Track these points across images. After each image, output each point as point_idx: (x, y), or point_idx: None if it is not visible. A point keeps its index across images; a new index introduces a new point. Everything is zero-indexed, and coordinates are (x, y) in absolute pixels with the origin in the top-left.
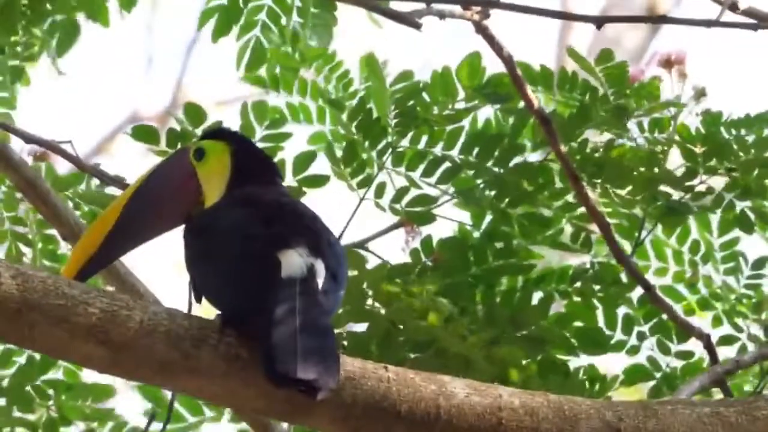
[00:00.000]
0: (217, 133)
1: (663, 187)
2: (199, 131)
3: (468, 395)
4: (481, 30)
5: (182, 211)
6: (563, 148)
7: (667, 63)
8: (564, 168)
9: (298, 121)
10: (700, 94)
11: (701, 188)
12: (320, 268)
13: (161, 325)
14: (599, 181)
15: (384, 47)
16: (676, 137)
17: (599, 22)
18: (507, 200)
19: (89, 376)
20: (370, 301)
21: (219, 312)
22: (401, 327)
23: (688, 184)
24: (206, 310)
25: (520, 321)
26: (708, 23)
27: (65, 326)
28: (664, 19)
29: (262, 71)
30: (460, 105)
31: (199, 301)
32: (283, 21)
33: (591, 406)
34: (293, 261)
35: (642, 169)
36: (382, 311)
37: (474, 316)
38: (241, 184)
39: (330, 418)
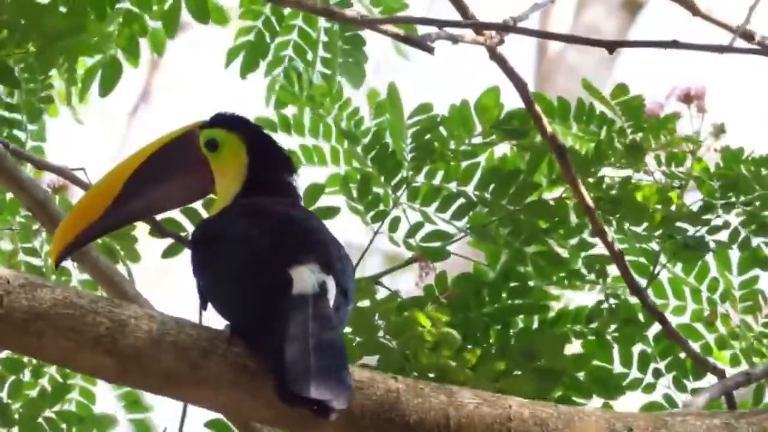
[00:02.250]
0: (229, 122)
1: (679, 223)
2: None
3: (477, 405)
4: (495, 56)
5: (190, 197)
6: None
7: (687, 98)
8: (576, 197)
9: (312, 163)
10: (719, 130)
11: (718, 222)
12: (331, 285)
13: (169, 335)
14: (615, 218)
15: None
16: (694, 173)
17: (611, 46)
18: (522, 238)
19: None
20: (381, 333)
21: (227, 322)
22: (412, 359)
23: (704, 217)
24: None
25: (534, 353)
26: (721, 49)
27: (73, 336)
28: (676, 44)
29: (272, 113)
30: (477, 140)
31: (204, 306)
32: (309, 56)
33: (601, 416)
34: (305, 278)
35: (659, 206)
36: (394, 343)
37: (487, 350)
38: (256, 186)
39: (338, 428)
